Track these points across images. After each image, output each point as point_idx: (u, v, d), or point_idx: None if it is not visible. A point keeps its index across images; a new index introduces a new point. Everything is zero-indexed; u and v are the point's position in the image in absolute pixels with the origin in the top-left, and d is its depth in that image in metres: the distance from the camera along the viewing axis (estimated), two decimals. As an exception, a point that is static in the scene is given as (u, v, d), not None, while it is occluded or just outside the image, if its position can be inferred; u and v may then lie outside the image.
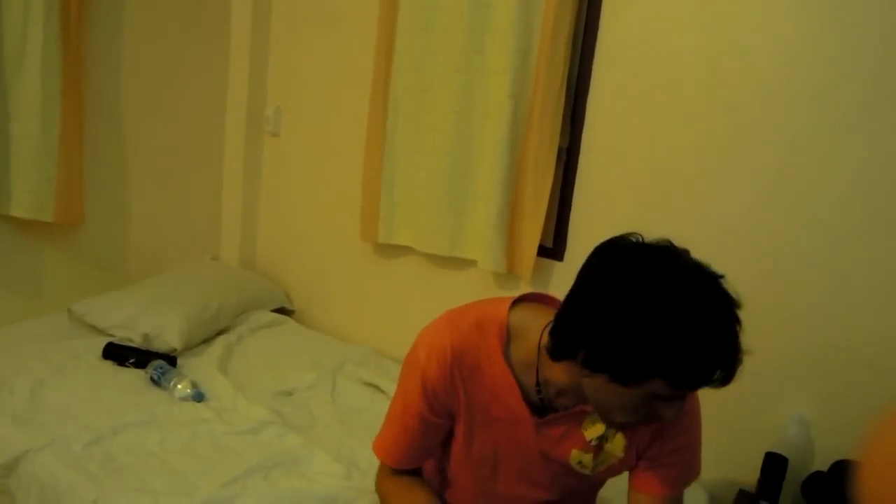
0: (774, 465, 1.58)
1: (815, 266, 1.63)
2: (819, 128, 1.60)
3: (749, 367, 1.71)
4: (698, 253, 1.72)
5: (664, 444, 1.06)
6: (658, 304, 0.83)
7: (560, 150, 1.97)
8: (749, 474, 1.68)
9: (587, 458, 1.06)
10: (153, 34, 2.41)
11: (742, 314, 1.71)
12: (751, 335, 1.73)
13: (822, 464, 1.62)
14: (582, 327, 0.89)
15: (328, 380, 2.09)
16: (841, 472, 1.58)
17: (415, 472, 1.18)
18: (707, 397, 1.75)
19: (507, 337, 1.03)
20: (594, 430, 1.04)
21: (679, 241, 1.79)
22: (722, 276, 0.88)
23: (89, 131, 2.23)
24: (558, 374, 0.99)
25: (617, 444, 1.06)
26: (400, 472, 1.16)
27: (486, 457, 1.11)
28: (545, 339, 0.97)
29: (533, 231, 1.99)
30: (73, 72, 2.10)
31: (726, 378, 0.86)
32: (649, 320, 0.83)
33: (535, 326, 1.02)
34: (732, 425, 1.77)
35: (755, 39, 1.66)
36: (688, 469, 1.10)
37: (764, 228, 1.69)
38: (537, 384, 1.02)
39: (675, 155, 1.80)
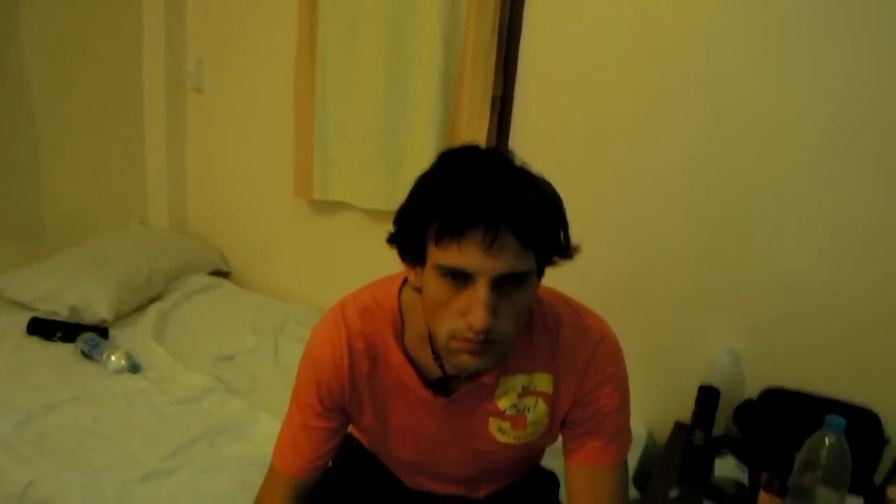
0: (707, 396, 1.65)
1: (741, 208, 1.68)
2: (753, 72, 1.61)
3: (679, 304, 1.79)
4: (636, 196, 1.78)
5: (586, 407, 1.02)
6: (433, 168, 0.86)
7: (494, 98, 1.94)
8: (684, 407, 1.76)
9: (506, 425, 1.04)
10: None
11: (674, 256, 1.77)
12: (680, 275, 1.80)
13: (751, 392, 1.70)
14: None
15: (270, 341, 2.07)
16: (769, 398, 1.67)
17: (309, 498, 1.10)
18: (642, 336, 1.83)
19: (401, 320, 1.00)
20: (507, 400, 1.02)
21: (616, 187, 1.83)
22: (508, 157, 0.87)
23: (-10, 93, 2.09)
24: None
25: (540, 413, 1.03)
26: (294, 495, 1.07)
27: (408, 444, 1.09)
28: None
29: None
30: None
31: (493, 229, 0.80)
32: (420, 183, 0.86)
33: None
34: (666, 361, 1.84)
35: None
36: (618, 435, 1.03)
37: (695, 173, 1.72)
38: (435, 356, 0.98)
39: (610, 101, 1.80)
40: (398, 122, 2.05)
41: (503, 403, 1.02)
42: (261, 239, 2.56)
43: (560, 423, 1.06)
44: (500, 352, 0.88)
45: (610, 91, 1.79)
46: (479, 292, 0.82)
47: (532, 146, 1.93)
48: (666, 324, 1.83)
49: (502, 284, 0.83)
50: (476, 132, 1.93)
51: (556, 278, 0.97)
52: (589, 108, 1.83)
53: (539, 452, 1.24)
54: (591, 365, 1.00)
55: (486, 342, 0.85)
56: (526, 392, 1.02)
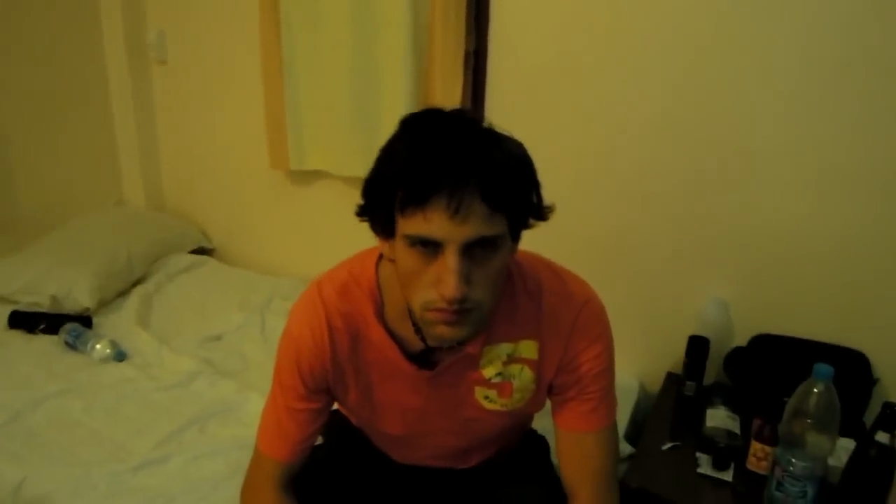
0: (697, 346, 1.65)
1: (726, 154, 1.64)
2: (732, 6, 1.55)
3: (665, 254, 1.77)
4: (617, 145, 1.74)
5: (571, 372, 1.02)
6: (395, 135, 0.84)
7: (467, 53, 1.87)
8: (675, 357, 1.76)
9: (492, 393, 1.03)
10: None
11: (658, 205, 1.73)
12: (665, 224, 1.77)
13: (741, 340, 1.70)
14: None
15: (257, 318, 2.05)
16: (759, 344, 1.66)
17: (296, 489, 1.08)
18: (629, 289, 1.82)
19: (380, 295, 0.99)
20: (492, 368, 1.01)
21: (596, 137, 1.79)
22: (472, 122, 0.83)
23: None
24: None
25: (525, 380, 1.03)
26: (282, 478, 1.06)
27: (395, 419, 1.07)
28: None
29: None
30: None
31: (455, 193, 0.77)
32: (382, 152, 0.84)
33: None
34: (655, 313, 1.83)
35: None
36: (605, 398, 1.04)
37: (678, 118, 1.67)
38: (416, 328, 0.96)
39: (586, 46, 1.73)
40: (370, 85, 1.98)
41: (488, 372, 1.01)
42: (241, 213, 2.52)
43: (546, 389, 1.06)
44: (478, 320, 0.86)
45: (585, 35, 1.73)
46: (449, 261, 0.80)
47: (509, 100, 1.88)
48: (653, 275, 1.81)
49: (473, 250, 0.81)
50: (450, 89, 1.87)
51: (537, 237, 0.95)
52: (565, 56, 1.77)
53: (528, 419, 1.24)
54: (575, 329, 1.00)
55: (462, 311, 0.82)
56: (511, 360, 1.01)
